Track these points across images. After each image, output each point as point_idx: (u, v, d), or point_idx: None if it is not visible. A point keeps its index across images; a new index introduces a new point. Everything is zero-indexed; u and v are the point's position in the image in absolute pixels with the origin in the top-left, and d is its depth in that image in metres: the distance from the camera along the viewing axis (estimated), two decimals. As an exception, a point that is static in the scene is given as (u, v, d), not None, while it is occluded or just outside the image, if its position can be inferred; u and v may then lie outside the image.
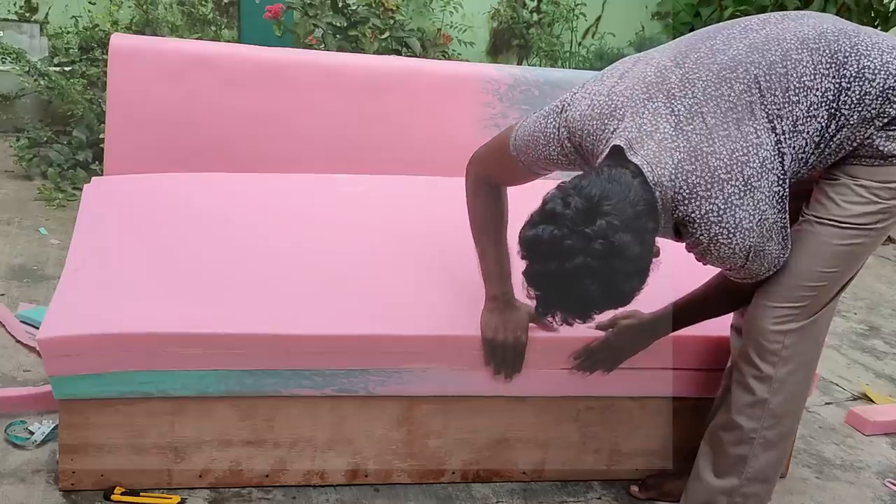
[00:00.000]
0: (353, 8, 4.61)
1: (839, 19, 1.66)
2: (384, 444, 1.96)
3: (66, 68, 4.71)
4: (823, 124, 1.58)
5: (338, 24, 4.47)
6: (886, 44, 1.59)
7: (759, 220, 1.55)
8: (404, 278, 2.01)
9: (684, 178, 1.52)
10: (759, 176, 1.54)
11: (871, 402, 2.67)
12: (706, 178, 1.52)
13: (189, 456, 1.88)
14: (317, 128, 2.47)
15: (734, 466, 1.78)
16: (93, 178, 2.42)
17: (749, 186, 1.53)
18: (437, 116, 2.53)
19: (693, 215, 1.53)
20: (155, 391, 1.81)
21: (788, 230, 1.62)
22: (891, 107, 1.56)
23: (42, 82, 4.40)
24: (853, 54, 1.57)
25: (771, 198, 1.56)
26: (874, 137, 1.58)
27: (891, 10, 5.47)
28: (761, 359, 1.72)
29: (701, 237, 1.55)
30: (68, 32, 5.19)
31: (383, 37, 4.63)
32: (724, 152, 1.53)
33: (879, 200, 1.61)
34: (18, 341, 2.47)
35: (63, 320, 1.78)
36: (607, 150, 1.58)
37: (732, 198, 1.52)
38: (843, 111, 1.57)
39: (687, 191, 1.52)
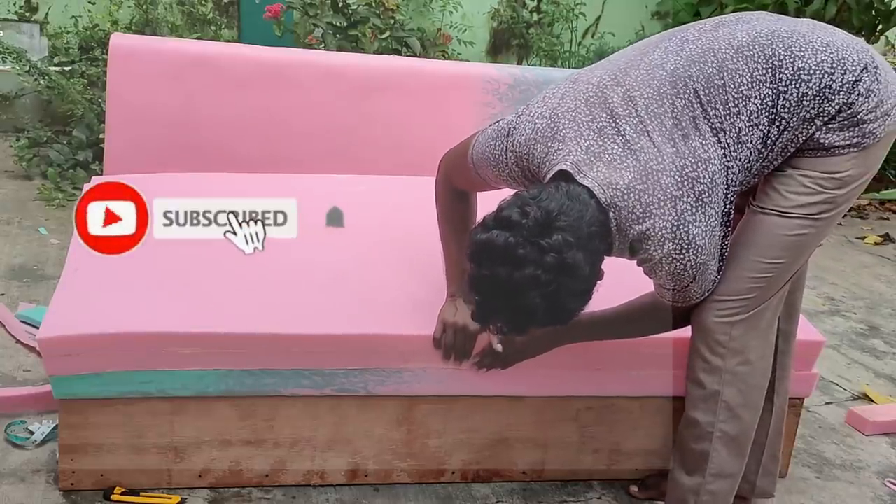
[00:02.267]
0: (353, 8, 4.62)
1: (776, 18, 1.65)
2: (384, 443, 1.96)
3: (66, 68, 4.72)
4: (765, 131, 1.58)
5: (338, 24, 4.48)
6: (820, 41, 1.57)
7: (710, 235, 1.56)
8: (404, 278, 2.01)
9: (637, 197, 1.52)
10: (710, 191, 1.54)
11: (871, 402, 2.67)
12: (658, 195, 1.52)
13: (189, 456, 1.88)
14: (317, 128, 2.47)
15: (698, 463, 1.78)
16: (93, 178, 2.42)
17: (700, 202, 1.54)
18: (437, 116, 2.53)
19: (648, 233, 1.54)
20: (155, 391, 1.82)
21: (725, 255, 1.64)
22: (829, 105, 1.56)
23: (42, 82, 4.41)
24: (787, 56, 1.56)
25: (720, 213, 1.57)
26: (815, 133, 1.59)
27: (892, 8, 5.47)
28: (710, 351, 1.71)
29: (654, 253, 1.55)
30: (68, 32, 5.20)
31: (383, 37, 4.63)
32: (674, 169, 1.53)
33: (824, 190, 1.61)
34: (18, 341, 2.48)
35: (63, 320, 1.78)
36: (552, 173, 1.57)
37: (685, 214, 1.53)
38: (782, 115, 1.57)
39: (640, 209, 1.53)
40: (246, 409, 1.88)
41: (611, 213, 1.54)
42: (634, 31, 6.48)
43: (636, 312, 1.78)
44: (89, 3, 5.26)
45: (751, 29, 1.61)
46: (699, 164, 1.54)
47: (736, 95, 1.56)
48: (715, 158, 1.55)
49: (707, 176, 1.54)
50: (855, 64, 1.56)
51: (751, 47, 1.58)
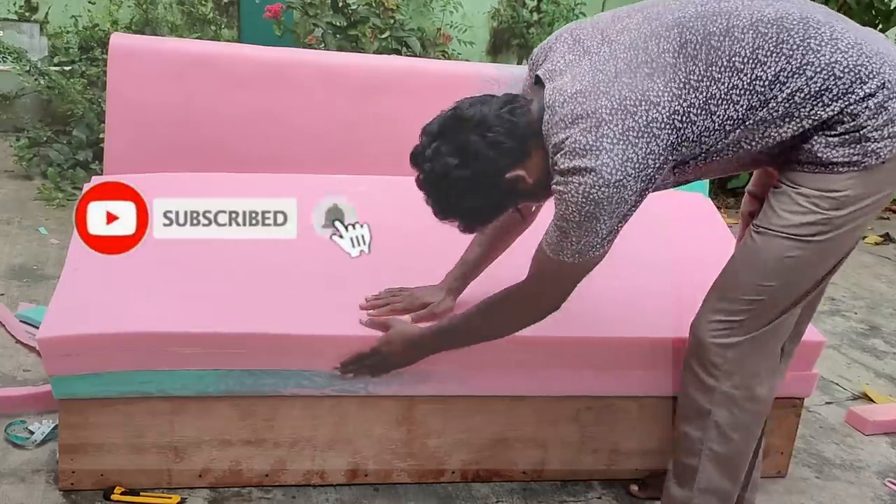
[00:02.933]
0: (353, 7, 4.62)
1: (817, 8, 1.57)
2: (384, 443, 1.96)
3: (66, 68, 4.72)
4: (741, 113, 1.52)
5: (338, 24, 4.48)
6: (847, 42, 1.50)
7: (619, 179, 1.48)
8: (404, 279, 2.01)
9: (572, 107, 1.51)
10: (639, 133, 1.49)
11: (872, 402, 2.67)
12: (589, 112, 1.50)
13: (189, 455, 1.88)
14: (317, 128, 2.46)
15: (687, 477, 1.75)
16: (93, 178, 2.42)
17: (625, 137, 1.48)
18: (437, 116, 2.52)
19: (565, 143, 1.51)
20: (155, 391, 1.82)
21: (615, 236, 1.56)
22: (823, 109, 1.49)
23: (42, 82, 4.41)
24: (801, 47, 1.49)
25: (639, 164, 1.49)
26: (814, 143, 1.52)
27: (892, 7, 5.46)
28: (703, 370, 1.68)
29: (561, 165, 1.51)
30: (68, 32, 5.20)
31: (383, 36, 4.63)
32: (617, 96, 1.50)
33: (818, 210, 1.54)
34: (18, 341, 2.48)
35: (63, 320, 1.78)
36: (533, 79, 1.64)
37: (604, 140, 1.49)
38: (770, 104, 1.51)
39: (570, 119, 1.51)
40: (246, 408, 1.88)
41: (546, 115, 1.55)
42: (634, 31, 6.49)
43: (488, 307, 1.74)
44: (89, 2, 5.26)
45: (784, 8, 1.54)
46: (643, 103, 1.50)
47: (725, 63, 1.51)
48: (665, 108, 1.50)
49: (644, 117, 1.49)
50: (873, 75, 1.48)
51: (768, 25, 1.51)
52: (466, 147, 1.56)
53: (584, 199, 1.50)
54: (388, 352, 1.83)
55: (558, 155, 1.52)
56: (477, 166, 1.56)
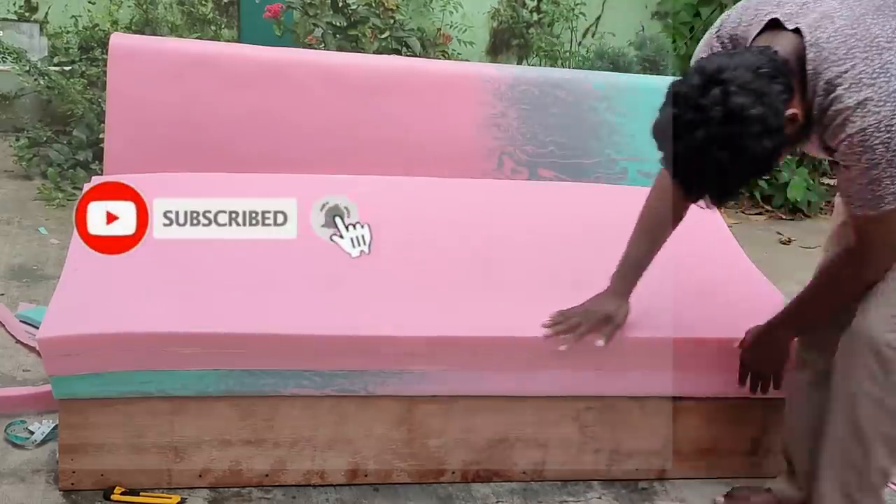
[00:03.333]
0: (353, 7, 4.61)
1: None
2: (384, 443, 1.96)
3: (66, 68, 4.72)
4: None
5: (338, 24, 4.48)
6: None
7: None
8: (404, 279, 2.01)
9: (842, 39, 1.51)
10: None
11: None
12: (866, 41, 1.50)
13: (189, 455, 1.88)
14: (316, 128, 2.46)
15: (858, 461, 1.69)
16: (93, 178, 2.42)
17: None
18: (437, 116, 2.52)
19: (846, 75, 1.50)
20: (155, 391, 1.82)
21: None
22: None
23: (42, 82, 4.41)
24: None
25: None
26: None
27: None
28: (881, 367, 1.63)
29: (848, 101, 1.49)
30: (68, 32, 5.19)
31: (383, 36, 4.63)
32: (889, 26, 1.52)
33: None
34: (18, 341, 2.47)
35: (63, 320, 1.78)
36: (761, 26, 1.58)
37: (890, 66, 1.49)
38: None
39: (844, 50, 1.51)
40: (246, 408, 1.88)
41: (810, 53, 1.52)
42: (634, 32, 6.47)
43: (835, 277, 1.72)
44: (89, 2, 5.25)
45: None
46: None
47: None
48: None
49: None
50: None
51: None
52: (751, 84, 1.47)
53: (888, 133, 1.48)
54: (759, 352, 1.88)
55: (839, 89, 1.51)
56: (767, 101, 1.48)
